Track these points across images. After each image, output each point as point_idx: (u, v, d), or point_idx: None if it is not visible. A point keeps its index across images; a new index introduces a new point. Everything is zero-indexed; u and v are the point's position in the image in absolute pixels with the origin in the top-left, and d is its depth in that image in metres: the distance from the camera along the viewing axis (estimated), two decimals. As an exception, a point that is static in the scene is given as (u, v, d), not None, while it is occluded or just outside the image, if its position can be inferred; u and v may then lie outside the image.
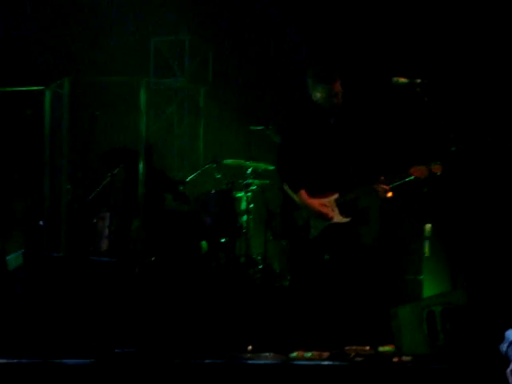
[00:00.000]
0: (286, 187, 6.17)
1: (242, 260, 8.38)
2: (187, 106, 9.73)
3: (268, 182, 8.79)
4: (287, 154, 6.18)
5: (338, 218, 6.15)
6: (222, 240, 8.38)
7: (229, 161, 8.59)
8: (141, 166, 7.80)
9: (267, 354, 6.26)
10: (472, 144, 7.16)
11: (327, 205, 6.13)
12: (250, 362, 5.72)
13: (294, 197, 6.11)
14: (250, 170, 8.57)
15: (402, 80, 6.03)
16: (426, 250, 8.08)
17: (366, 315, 6.29)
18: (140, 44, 9.22)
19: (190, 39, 9.54)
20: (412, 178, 6.18)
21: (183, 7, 9.24)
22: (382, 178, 6.16)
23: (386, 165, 6.58)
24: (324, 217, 6.09)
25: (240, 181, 8.63)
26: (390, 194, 6.47)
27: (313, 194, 6.14)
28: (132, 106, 8.36)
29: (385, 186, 6.14)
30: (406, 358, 5.65)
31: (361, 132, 6.33)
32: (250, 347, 6.65)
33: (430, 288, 7.65)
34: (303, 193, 6.09)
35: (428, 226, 8.18)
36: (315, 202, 6.10)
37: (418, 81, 6.03)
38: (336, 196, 6.17)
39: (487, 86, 8.27)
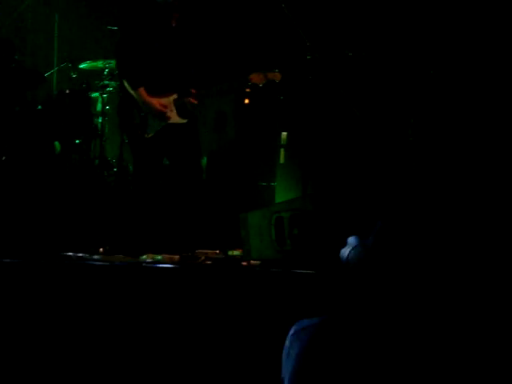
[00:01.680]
0: (125, 84, 6.11)
1: (97, 162, 8.28)
2: (42, 1, 9.33)
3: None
4: (127, 49, 6.09)
5: (175, 118, 6.15)
6: (77, 141, 8.24)
7: (84, 64, 8.39)
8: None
9: (118, 255, 6.28)
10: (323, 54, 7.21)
11: (166, 105, 6.11)
12: (99, 263, 5.73)
13: (133, 94, 6.05)
14: (106, 72, 8.40)
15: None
16: (281, 157, 8.23)
17: (217, 220, 6.39)
18: None
19: None
20: (249, 83, 6.24)
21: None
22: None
23: (226, 69, 6.62)
24: (162, 116, 6.08)
25: (96, 82, 8.46)
26: (246, 101, 6.51)
27: (152, 93, 6.09)
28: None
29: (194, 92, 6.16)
30: (254, 262, 5.79)
31: (202, 33, 6.31)
32: (101, 249, 6.64)
33: (282, 195, 7.82)
34: (142, 90, 6.05)
35: (284, 134, 8.31)
36: (154, 101, 6.07)
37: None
38: (175, 96, 6.16)
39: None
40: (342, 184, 7.21)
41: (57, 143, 8.09)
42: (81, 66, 8.44)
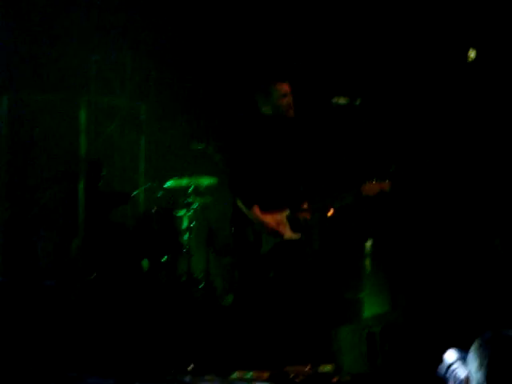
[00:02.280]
0: (239, 203, 6.13)
1: (184, 278, 8.35)
2: (128, 124, 9.66)
3: (209, 200, 8.80)
4: (239, 169, 6.15)
5: (288, 234, 6.14)
6: (163, 259, 8.36)
7: (169, 183, 8.58)
8: (81, 185, 7.74)
9: (208, 376, 6.24)
10: (410, 164, 7.24)
11: (279, 221, 6.13)
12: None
13: (247, 212, 6.07)
14: (191, 189, 8.56)
15: (342, 100, 6.07)
16: (368, 267, 8.14)
17: (307, 334, 6.31)
18: (81, 62, 9.13)
19: (131, 57, 9.50)
20: (363, 195, 6.18)
21: (125, 25, 9.21)
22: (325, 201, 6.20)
23: (334, 183, 6.64)
24: (275, 233, 6.08)
25: (181, 199, 8.62)
26: (330, 213, 6.51)
27: (265, 209, 6.12)
28: (72, 125, 8.30)
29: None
30: (345, 378, 5.69)
31: (308, 148, 6.35)
32: (191, 367, 6.62)
33: (370, 307, 7.71)
34: (256, 209, 6.07)
35: (368, 243, 8.26)
36: (268, 218, 6.09)
37: (358, 101, 6.07)
38: (287, 212, 6.16)
39: (426, 108, 8.39)
40: (435, 297, 7.07)
41: (145, 261, 8.21)
42: (166, 185, 8.62)
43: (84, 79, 9.05)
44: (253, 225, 6.10)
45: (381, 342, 5.50)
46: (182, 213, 8.59)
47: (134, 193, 8.85)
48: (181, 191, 8.69)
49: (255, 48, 9.25)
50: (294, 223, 6.16)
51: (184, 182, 8.56)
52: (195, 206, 8.56)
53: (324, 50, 8.80)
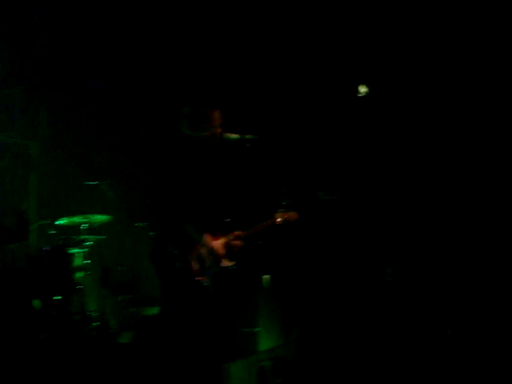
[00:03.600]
0: (189, 230, 5.97)
1: (77, 317, 8.20)
2: (19, 161, 9.49)
3: (104, 237, 8.71)
4: (180, 196, 6.01)
5: (225, 261, 6.08)
6: (56, 297, 8.20)
7: (63, 220, 8.45)
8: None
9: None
10: (302, 198, 7.34)
11: (221, 247, 6.05)
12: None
13: (198, 239, 5.93)
14: (85, 226, 8.46)
15: (234, 136, 6.10)
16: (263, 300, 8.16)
17: (199, 370, 6.26)
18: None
19: (21, 93, 9.36)
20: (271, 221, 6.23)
21: (12, 60, 9.09)
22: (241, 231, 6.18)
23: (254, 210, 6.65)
24: (219, 259, 5.96)
25: (74, 236, 8.50)
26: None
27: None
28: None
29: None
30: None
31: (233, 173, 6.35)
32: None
33: (265, 341, 7.73)
34: (207, 235, 5.99)
35: (266, 277, 8.29)
36: (217, 244, 6.00)
37: (248, 136, 6.12)
38: (225, 239, 6.09)
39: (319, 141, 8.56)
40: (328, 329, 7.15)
41: (36, 301, 8.04)
42: (58, 223, 8.49)
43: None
44: (199, 253, 5.97)
45: (272, 377, 5.51)
46: (75, 250, 8.47)
47: (28, 228, 8.67)
48: (74, 229, 8.57)
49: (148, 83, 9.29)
50: (230, 251, 6.11)
51: (77, 219, 8.46)
52: (89, 243, 8.46)
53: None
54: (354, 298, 7.49)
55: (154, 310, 8.44)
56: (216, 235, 6.07)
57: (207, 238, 5.97)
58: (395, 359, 6.17)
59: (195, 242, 5.93)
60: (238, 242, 6.08)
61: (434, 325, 6.95)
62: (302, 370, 5.51)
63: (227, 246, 6.07)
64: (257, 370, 5.55)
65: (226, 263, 6.05)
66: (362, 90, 8.60)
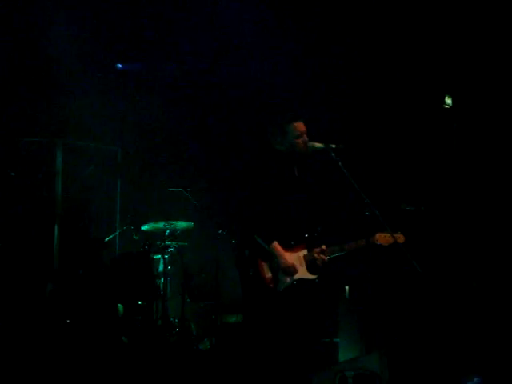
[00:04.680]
0: (257, 239, 5.99)
1: (159, 323, 8.30)
2: (105, 168, 9.67)
3: (186, 243, 8.80)
4: (254, 205, 6.02)
5: (304, 273, 6.04)
6: (139, 302, 8.31)
7: (146, 226, 8.57)
8: (56, 229, 7.72)
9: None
10: (386, 209, 7.28)
11: (294, 260, 6.03)
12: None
13: (268, 248, 5.93)
14: (167, 232, 8.56)
15: (318, 145, 6.07)
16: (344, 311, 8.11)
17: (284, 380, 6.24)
18: (58, 105, 9.17)
19: (109, 100, 9.55)
20: (376, 243, 6.13)
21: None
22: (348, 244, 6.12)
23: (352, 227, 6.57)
24: (289, 271, 5.96)
25: (158, 242, 8.61)
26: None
27: (283, 246, 6.02)
28: (49, 168, 8.31)
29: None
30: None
31: (323, 190, 6.30)
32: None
33: (345, 352, 7.69)
34: (276, 244, 5.93)
35: (346, 288, 8.25)
36: (286, 255, 5.99)
37: (333, 146, 6.08)
38: (305, 252, 6.07)
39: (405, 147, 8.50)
40: (411, 342, 7.04)
41: (120, 305, 8.17)
42: (143, 228, 8.61)
43: (61, 123, 9.08)
44: (271, 261, 5.98)
45: (354, 387, 5.48)
46: (158, 256, 8.58)
47: (110, 237, 8.82)
48: (157, 234, 8.68)
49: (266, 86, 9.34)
50: (312, 264, 6.07)
51: (160, 225, 8.56)
52: (171, 249, 8.56)
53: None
54: (437, 309, 7.39)
55: (235, 318, 8.49)
56: (298, 247, 6.05)
57: (278, 249, 5.93)
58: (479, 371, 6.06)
59: (266, 251, 5.93)
60: (322, 256, 6.03)
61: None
62: (382, 381, 5.47)
63: (309, 258, 6.03)
64: (338, 380, 5.52)
65: (304, 275, 6.02)
66: (448, 101, 8.50)
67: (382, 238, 6.04)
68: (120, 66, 9.70)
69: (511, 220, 7.79)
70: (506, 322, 7.03)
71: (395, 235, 5.93)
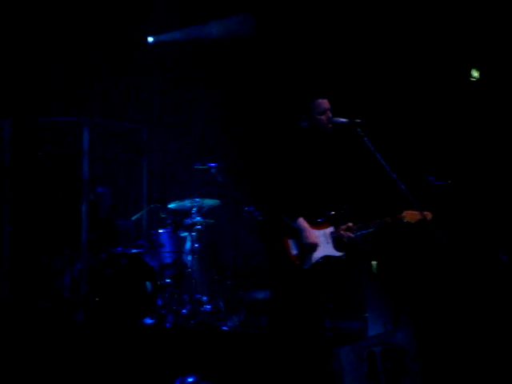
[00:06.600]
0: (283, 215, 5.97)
1: (187, 300, 8.34)
2: (130, 147, 9.70)
3: (212, 221, 8.81)
4: (280, 183, 6.01)
5: (331, 251, 6.02)
6: (167, 280, 8.36)
7: (173, 204, 8.59)
8: (83, 208, 7.77)
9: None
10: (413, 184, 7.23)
11: (320, 236, 6.01)
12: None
13: (294, 225, 5.92)
14: (194, 210, 8.57)
15: (343, 120, 6.04)
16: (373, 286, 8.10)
17: (309, 355, 6.25)
18: (83, 85, 9.20)
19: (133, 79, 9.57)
20: (404, 221, 6.09)
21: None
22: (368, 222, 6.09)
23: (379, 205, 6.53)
24: (312, 247, 5.93)
25: (185, 220, 8.63)
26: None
27: (309, 223, 6.00)
28: (75, 147, 8.33)
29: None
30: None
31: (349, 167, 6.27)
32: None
33: (374, 326, 7.69)
34: (302, 220, 5.88)
35: (374, 263, 8.23)
36: (313, 232, 5.96)
37: (358, 120, 6.04)
38: (332, 229, 6.05)
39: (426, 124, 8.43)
40: (440, 317, 7.00)
41: (148, 283, 8.21)
42: (170, 206, 8.63)
43: (87, 102, 9.12)
44: (297, 238, 5.95)
45: (382, 362, 5.47)
46: (185, 234, 8.60)
47: (137, 215, 8.87)
48: (184, 212, 8.71)
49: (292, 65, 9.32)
50: (338, 241, 6.05)
51: (187, 203, 8.58)
52: (198, 226, 8.57)
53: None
54: (465, 286, 7.35)
55: (262, 294, 8.50)
56: (324, 224, 6.03)
57: (303, 224, 5.90)
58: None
59: (292, 229, 5.90)
60: (348, 233, 6.01)
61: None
62: (411, 356, 5.46)
63: (335, 235, 6.01)
64: (366, 355, 5.51)
65: (331, 252, 6.00)
66: (475, 74, 8.42)
67: (410, 215, 5.99)
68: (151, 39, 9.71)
69: None
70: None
71: (425, 212, 5.88)
